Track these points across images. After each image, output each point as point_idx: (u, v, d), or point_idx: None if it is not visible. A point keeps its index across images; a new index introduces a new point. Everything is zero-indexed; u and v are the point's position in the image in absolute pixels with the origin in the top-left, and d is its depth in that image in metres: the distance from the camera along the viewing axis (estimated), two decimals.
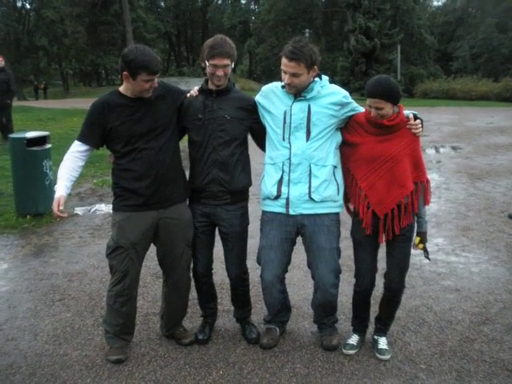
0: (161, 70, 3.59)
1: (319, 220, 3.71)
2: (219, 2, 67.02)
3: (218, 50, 3.56)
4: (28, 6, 51.88)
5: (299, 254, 4.11)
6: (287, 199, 3.70)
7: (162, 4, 64.71)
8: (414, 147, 3.60)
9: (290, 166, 3.67)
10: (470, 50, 52.79)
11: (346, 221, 3.91)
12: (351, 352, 3.88)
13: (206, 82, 3.76)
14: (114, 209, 3.78)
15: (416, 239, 3.73)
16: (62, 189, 3.53)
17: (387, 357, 3.80)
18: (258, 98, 3.85)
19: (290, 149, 3.66)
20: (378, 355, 3.82)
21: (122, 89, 3.63)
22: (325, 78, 3.72)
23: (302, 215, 3.71)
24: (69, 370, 3.71)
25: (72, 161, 3.61)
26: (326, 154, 3.66)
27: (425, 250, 3.78)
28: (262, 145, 3.91)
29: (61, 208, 3.46)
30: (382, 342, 3.90)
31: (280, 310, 4.03)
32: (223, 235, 3.91)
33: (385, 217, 3.63)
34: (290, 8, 51.66)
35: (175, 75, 48.84)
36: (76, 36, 45.65)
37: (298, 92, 3.64)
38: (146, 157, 3.59)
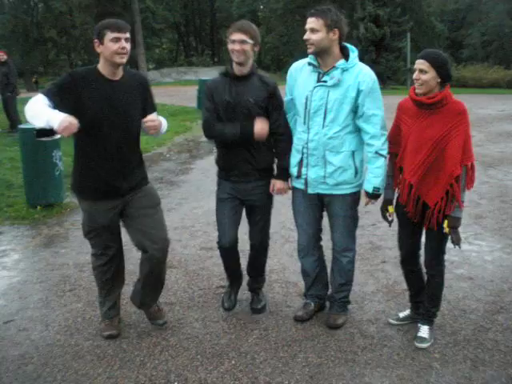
0: (127, 29, 3.44)
1: (336, 194, 3.86)
2: None
3: (236, 26, 3.77)
4: None
5: None
6: (306, 179, 3.85)
7: None
8: (461, 129, 3.50)
9: (308, 150, 3.79)
10: (480, 38, 52.21)
11: (373, 210, 3.89)
12: (395, 323, 4.08)
13: (231, 66, 3.88)
14: (77, 195, 3.81)
15: (444, 222, 3.63)
16: (55, 112, 3.25)
17: (424, 345, 3.75)
18: (287, 77, 3.98)
19: (308, 134, 3.77)
20: (415, 343, 3.78)
21: (99, 65, 3.54)
22: (353, 55, 3.72)
23: (319, 194, 3.88)
24: (80, 360, 3.70)
25: (42, 103, 3.32)
26: (341, 140, 3.73)
27: (453, 235, 3.63)
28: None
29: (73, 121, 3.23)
30: (423, 330, 3.85)
31: (315, 281, 4.14)
32: (249, 209, 4.07)
33: (434, 205, 3.61)
34: None
35: (184, 65, 48.80)
36: (84, 27, 45.56)
37: (315, 51, 3.65)
38: (108, 146, 3.54)
